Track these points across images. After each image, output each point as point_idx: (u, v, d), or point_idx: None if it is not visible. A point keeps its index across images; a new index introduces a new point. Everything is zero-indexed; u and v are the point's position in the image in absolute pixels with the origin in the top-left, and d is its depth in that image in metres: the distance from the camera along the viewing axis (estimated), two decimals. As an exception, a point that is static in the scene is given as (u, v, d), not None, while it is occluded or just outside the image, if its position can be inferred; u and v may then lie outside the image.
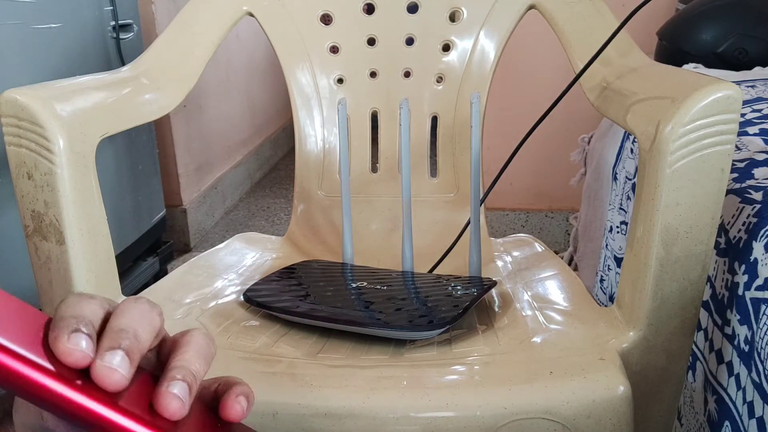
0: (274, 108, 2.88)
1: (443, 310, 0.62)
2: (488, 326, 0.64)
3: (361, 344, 0.61)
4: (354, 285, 0.71)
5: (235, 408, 0.27)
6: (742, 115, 0.86)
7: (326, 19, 0.91)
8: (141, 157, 1.55)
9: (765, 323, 0.56)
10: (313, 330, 0.64)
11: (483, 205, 0.84)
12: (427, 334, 0.59)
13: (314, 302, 0.66)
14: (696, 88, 0.53)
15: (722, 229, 0.66)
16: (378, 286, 0.70)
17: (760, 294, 0.58)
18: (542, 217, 1.83)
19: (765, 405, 0.56)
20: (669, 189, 0.54)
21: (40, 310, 0.30)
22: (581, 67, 0.73)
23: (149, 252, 1.63)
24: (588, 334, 0.60)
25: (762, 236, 0.60)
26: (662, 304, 0.57)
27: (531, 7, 0.86)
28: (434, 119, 0.93)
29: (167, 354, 0.27)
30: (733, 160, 0.67)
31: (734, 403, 0.61)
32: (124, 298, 0.28)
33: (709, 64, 1.19)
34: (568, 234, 1.69)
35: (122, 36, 1.42)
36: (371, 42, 0.92)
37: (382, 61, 0.92)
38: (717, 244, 0.65)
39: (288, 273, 0.76)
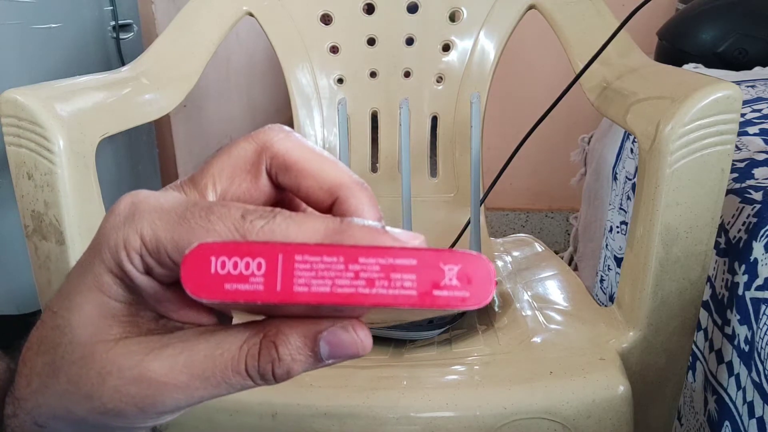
0: (274, 108, 2.88)
1: (443, 310, 0.62)
2: (488, 326, 0.64)
3: (361, 344, 0.61)
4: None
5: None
6: (742, 115, 0.86)
7: (326, 19, 0.91)
8: (141, 157, 1.55)
9: (765, 323, 0.56)
10: (313, 330, 0.64)
11: (483, 205, 0.84)
12: (427, 334, 0.59)
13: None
14: (696, 88, 0.53)
15: (722, 229, 0.66)
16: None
17: (760, 294, 0.58)
18: (542, 217, 1.82)
19: (765, 405, 0.55)
20: (669, 189, 0.54)
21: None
22: (581, 67, 0.73)
23: (149, 252, 1.62)
24: (588, 334, 0.60)
25: (762, 236, 0.60)
26: (662, 304, 0.57)
27: (531, 7, 0.86)
28: (434, 119, 0.93)
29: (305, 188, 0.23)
30: (733, 160, 0.67)
31: (734, 403, 0.61)
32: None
33: (709, 64, 1.19)
34: (568, 234, 1.69)
35: (122, 36, 1.41)
36: (371, 42, 0.92)
37: (382, 61, 0.92)
38: (717, 244, 0.65)
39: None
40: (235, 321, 0.24)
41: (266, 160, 0.23)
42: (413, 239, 0.20)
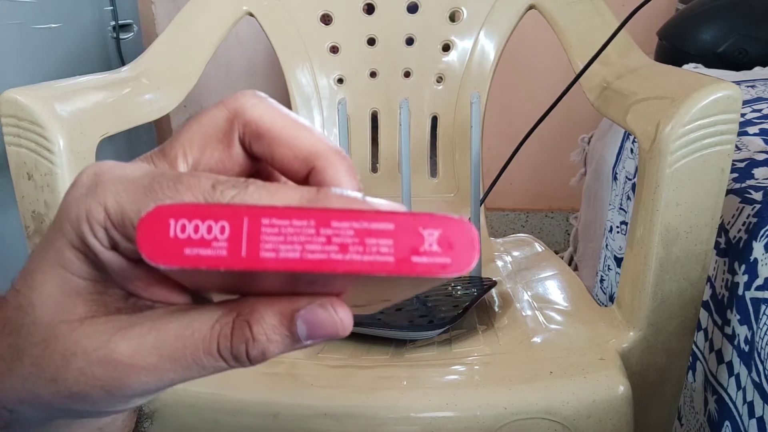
0: (274, 108, 2.88)
1: (443, 310, 0.62)
2: (488, 326, 0.64)
3: (362, 344, 0.61)
4: (354, 285, 0.71)
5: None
6: (742, 115, 0.86)
7: (326, 19, 0.91)
8: (141, 157, 1.55)
9: (765, 323, 0.56)
10: (313, 330, 0.64)
11: (483, 205, 0.84)
12: (427, 334, 0.59)
13: (314, 302, 0.66)
14: (696, 88, 0.53)
15: (722, 229, 0.66)
16: (378, 286, 0.70)
17: (760, 294, 0.58)
18: (542, 217, 1.82)
19: (765, 405, 0.56)
20: (669, 189, 0.54)
21: None
22: (581, 67, 0.73)
23: (149, 252, 1.62)
24: (588, 334, 0.60)
25: (762, 236, 0.60)
26: (662, 304, 0.57)
27: (531, 7, 0.86)
28: (434, 119, 0.93)
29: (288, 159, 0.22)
30: (733, 160, 0.67)
31: (734, 403, 0.61)
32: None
33: (709, 64, 1.19)
34: (568, 234, 1.69)
35: (122, 36, 1.41)
36: (371, 42, 0.92)
37: (382, 61, 0.92)
38: (717, 244, 0.65)
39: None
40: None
41: (239, 127, 0.22)
42: (396, 209, 0.18)
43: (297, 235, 0.17)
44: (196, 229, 0.17)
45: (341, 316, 0.20)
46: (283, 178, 0.23)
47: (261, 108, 0.22)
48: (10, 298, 0.21)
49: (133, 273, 0.20)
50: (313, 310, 0.19)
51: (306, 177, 0.22)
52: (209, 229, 0.17)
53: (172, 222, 0.17)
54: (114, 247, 0.20)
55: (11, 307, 0.21)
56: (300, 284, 0.19)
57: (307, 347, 0.20)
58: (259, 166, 0.23)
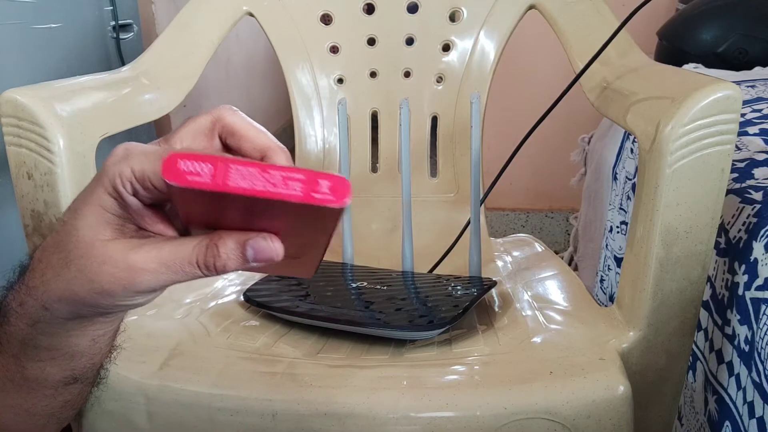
0: (274, 108, 2.88)
1: (443, 310, 0.62)
2: (488, 326, 0.64)
3: (361, 344, 0.61)
4: (354, 285, 0.71)
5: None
6: (742, 115, 0.86)
7: (326, 19, 0.91)
8: (141, 157, 1.55)
9: (765, 323, 0.56)
10: (313, 330, 0.64)
11: (483, 205, 0.84)
12: (427, 334, 0.59)
13: (314, 302, 0.66)
14: (696, 88, 0.53)
15: (722, 229, 0.66)
16: (378, 286, 0.70)
17: (760, 294, 0.58)
18: (542, 217, 1.83)
19: (765, 405, 0.56)
20: (669, 189, 0.54)
21: None
22: (581, 67, 0.73)
23: (149, 252, 1.62)
24: (588, 334, 0.60)
25: (762, 236, 0.60)
26: (662, 304, 0.57)
27: (531, 7, 0.86)
28: (434, 119, 0.93)
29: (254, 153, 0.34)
30: (733, 160, 0.67)
31: (734, 403, 0.61)
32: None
33: (709, 64, 1.19)
34: (568, 234, 1.69)
35: (122, 36, 1.41)
36: (371, 42, 0.92)
37: (382, 61, 0.92)
38: (717, 244, 0.65)
39: (288, 273, 0.76)
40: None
41: (218, 128, 0.35)
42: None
43: (249, 175, 0.28)
44: (193, 166, 0.28)
45: (276, 246, 0.31)
46: None
47: (234, 116, 0.35)
48: (59, 228, 0.32)
49: (145, 213, 0.32)
50: (257, 240, 0.30)
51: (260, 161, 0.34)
52: (201, 167, 0.28)
53: (180, 161, 0.28)
54: (135, 194, 0.31)
55: (61, 233, 0.32)
56: (251, 221, 0.30)
57: (254, 269, 0.32)
58: (229, 154, 0.35)
